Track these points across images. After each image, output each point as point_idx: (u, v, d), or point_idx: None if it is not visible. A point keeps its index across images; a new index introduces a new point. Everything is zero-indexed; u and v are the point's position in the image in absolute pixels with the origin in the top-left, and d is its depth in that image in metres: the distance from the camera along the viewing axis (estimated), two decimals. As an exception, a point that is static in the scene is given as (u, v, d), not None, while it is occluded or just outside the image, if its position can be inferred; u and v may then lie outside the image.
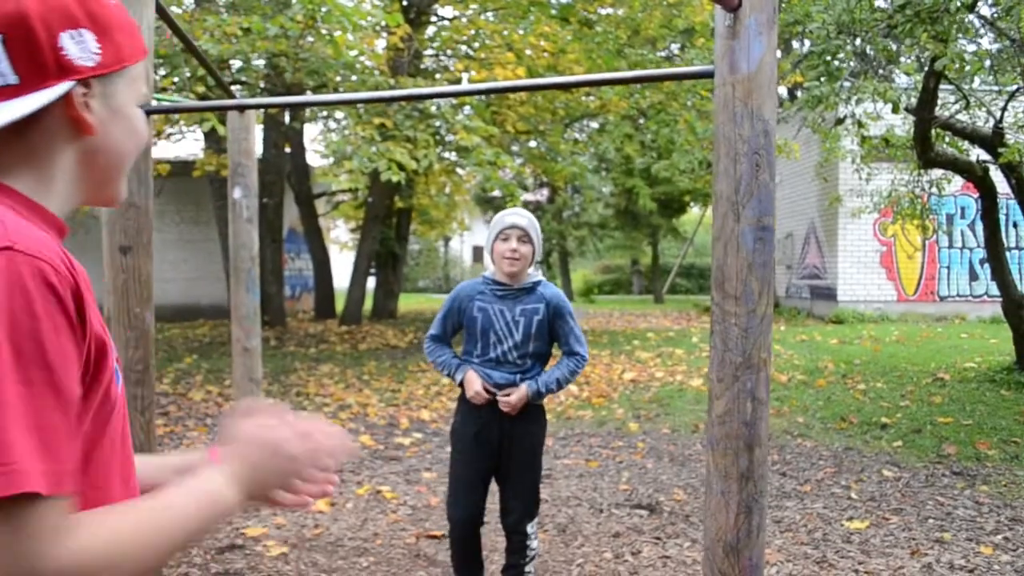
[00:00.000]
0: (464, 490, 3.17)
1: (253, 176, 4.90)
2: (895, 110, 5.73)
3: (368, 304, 17.80)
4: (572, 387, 8.64)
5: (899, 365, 9.51)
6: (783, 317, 16.98)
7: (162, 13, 2.64)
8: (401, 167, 8.73)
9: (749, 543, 1.88)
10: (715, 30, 1.85)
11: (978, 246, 16.23)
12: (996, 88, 7.55)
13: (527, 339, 3.14)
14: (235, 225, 4.89)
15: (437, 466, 5.62)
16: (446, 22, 14.01)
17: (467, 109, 11.18)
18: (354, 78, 9.63)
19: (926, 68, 6.08)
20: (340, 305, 17.71)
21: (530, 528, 3.21)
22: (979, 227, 16.26)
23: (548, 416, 7.20)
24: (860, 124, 6.50)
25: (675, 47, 16.55)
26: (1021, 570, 3.63)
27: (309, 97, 2.48)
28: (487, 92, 2.39)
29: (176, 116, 12.39)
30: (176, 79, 9.78)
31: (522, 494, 3.19)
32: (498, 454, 3.16)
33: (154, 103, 2.67)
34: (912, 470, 5.39)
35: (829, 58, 5.48)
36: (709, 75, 1.87)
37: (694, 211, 33.76)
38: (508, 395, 3.11)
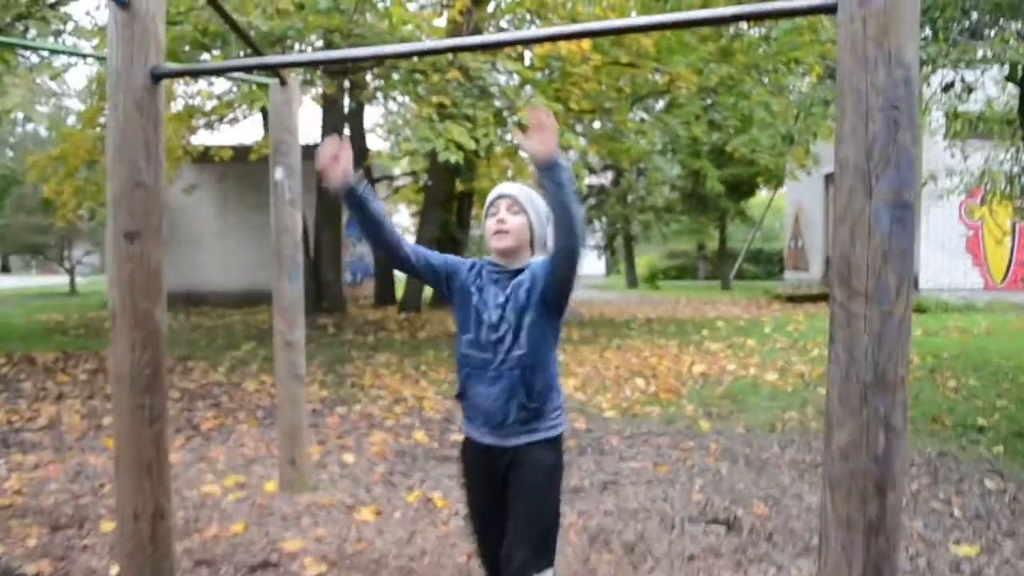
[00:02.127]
0: (478, 535, 2.67)
1: (296, 155, 4.57)
2: (1012, 75, 5.14)
3: (428, 291, 17.57)
4: (639, 381, 8.20)
5: (991, 359, 8.83)
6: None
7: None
8: (460, 147, 8.36)
9: (878, 614, 1.45)
10: (838, -51, 1.43)
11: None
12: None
13: (519, 314, 2.49)
14: (277, 208, 4.57)
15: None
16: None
17: (528, 88, 10.76)
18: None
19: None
20: (400, 292, 17.49)
21: None
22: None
23: (612, 412, 6.86)
24: (969, 90, 5.89)
25: (742, 25, 15.84)
26: None
27: (346, 52, 2.19)
28: (542, 40, 1.99)
29: (231, 98, 12.24)
30: (229, 59, 9.57)
31: (523, 539, 2.47)
32: (504, 490, 2.55)
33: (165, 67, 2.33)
34: (1018, 481, 4.84)
35: (937, 15, 4.90)
36: (832, 9, 1.45)
37: (762, 194, 32.81)
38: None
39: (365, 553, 3.70)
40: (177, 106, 12.43)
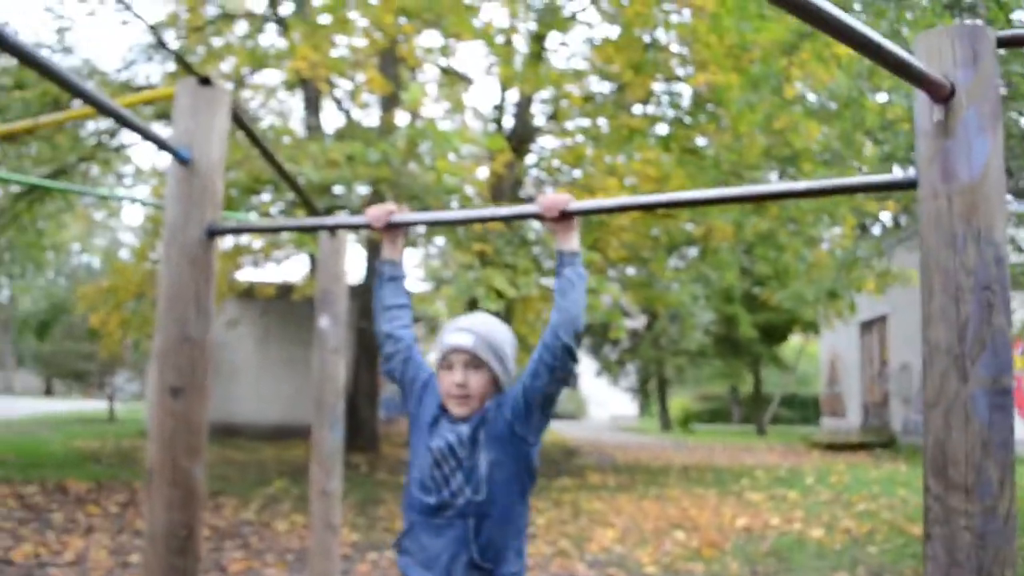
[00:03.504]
0: None
1: (342, 303, 4.59)
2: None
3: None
4: (680, 535, 7.88)
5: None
6: (902, 456, 15.73)
7: (238, 121, 2.35)
8: (499, 294, 8.41)
9: None
10: (917, 127, 1.40)
11: None
12: None
13: (476, 451, 2.13)
14: (320, 355, 4.56)
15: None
16: (547, 150, 14.02)
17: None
18: (455, 204, 9.52)
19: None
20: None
21: None
22: None
23: (652, 568, 6.57)
24: (1020, 248, 5.84)
25: (773, 175, 16.18)
26: None
27: (411, 216, 2.23)
28: (671, 205, 1.97)
29: (282, 239, 12.54)
30: (278, 203, 9.86)
31: None
32: None
33: (224, 222, 2.35)
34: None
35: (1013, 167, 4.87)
36: (912, 185, 1.41)
37: (795, 339, 32.59)
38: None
39: None
40: (226, 244, 12.76)
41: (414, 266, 18.08)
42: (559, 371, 2.12)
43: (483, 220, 2.35)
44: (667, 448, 20.40)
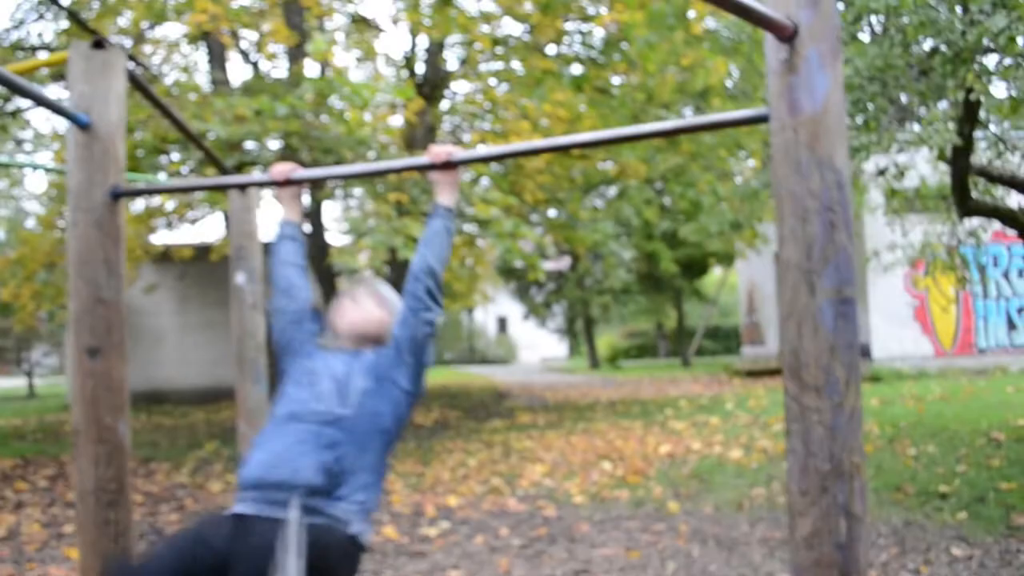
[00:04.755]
0: None
1: (257, 259, 4.62)
2: (941, 156, 5.40)
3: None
4: (606, 465, 8.19)
5: (947, 425, 8.96)
6: (818, 377, 16.41)
7: (135, 83, 2.37)
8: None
9: None
10: (767, 65, 1.54)
11: (1014, 295, 15.73)
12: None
13: (352, 378, 2.24)
14: (239, 312, 4.60)
15: (465, 561, 5.19)
16: (460, 96, 13.96)
17: (484, 181, 10.97)
18: (371, 154, 9.46)
19: (961, 113, 5.75)
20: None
21: None
22: (1013, 275, 15.81)
23: (580, 498, 6.84)
24: (902, 173, 6.17)
25: (687, 111, 16.46)
26: None
27: (327, 170, 2.22)
28: (547, 150, 2.09)
29: (194, 198, 12.29)
30: (188, 162, 9.66)
31: None
32: None
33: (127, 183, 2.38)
34: (983, 546, 4.90)
35: (867, 105, 5.16)
36: (764, 119, 1.55)
37: (716, 272, 33.44)
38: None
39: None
40: (137, 207, 12.46)
41: (334, 219, 17.92)
42: (422, 313, 2.26)
43: (378, 173, 2.45)
44: (595, 385, 20.86)
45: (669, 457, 8.47)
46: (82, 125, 2.25)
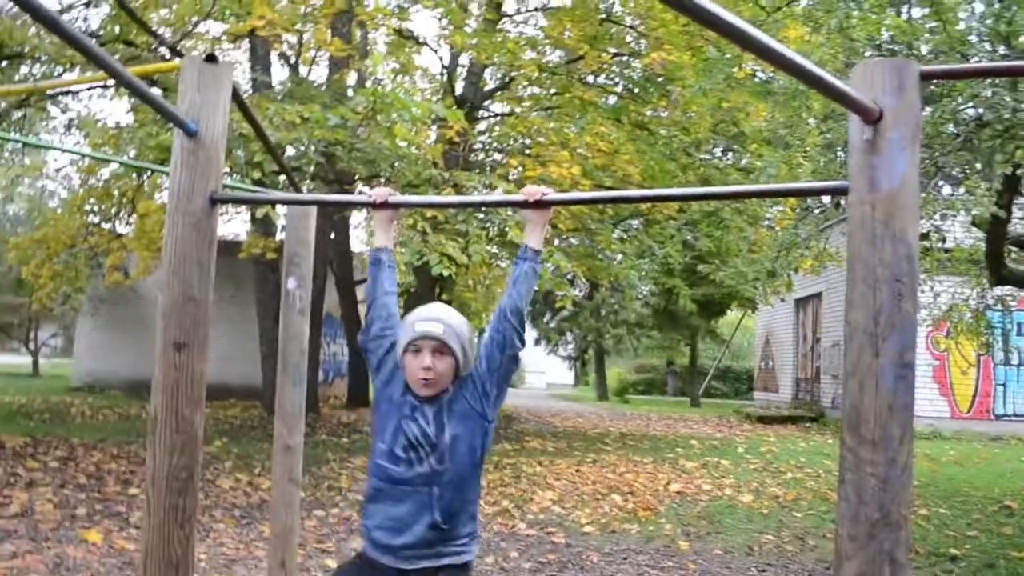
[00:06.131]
0: None
1: (308, 266, 4.76)
2: (979, 224, 5.52)
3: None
4: (616, 498, 8.27)
5: (961, 489, 9.02)
6: (829, 430, 16.44)
7: (238, 99, 2.53)
8: (452, 260, 8.61)
9: None
10: (850, 142, 1.68)
11: (1036, 364, 15.74)
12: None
13: (442, 428, 2.41)
14: (287, 316, 4.73)
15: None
16: (499, 118, 14.16)
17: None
18: (405, 169, 9.63)
19: (1000, 184, 5.88)
20: (373, 394, 17.48)
21: None
22: (1037, 344, 15.82)
23: (591, 528, 6.93)
24: (943, 239, 6.29)
25: (717, 150, 16.56)
26: None
27: (408, 198, 2.35)
28: (639, 200, 2.23)
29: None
30: (233, 163, 9.86)
31: None
32: None
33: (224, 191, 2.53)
34: (990, 612, 4.98)
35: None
36: (843, 191, 1.69)
37: (732, 313, 33.44)
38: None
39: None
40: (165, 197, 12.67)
41: (357, 227, 18.02)
42: (509, 351, 2.43)
43: (473, 205, 2.59)
44: (604, 416, 20.92)
45: (679, 495, 8.55)
46: (190, 133, 2.40)
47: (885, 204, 1.61)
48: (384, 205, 2.52)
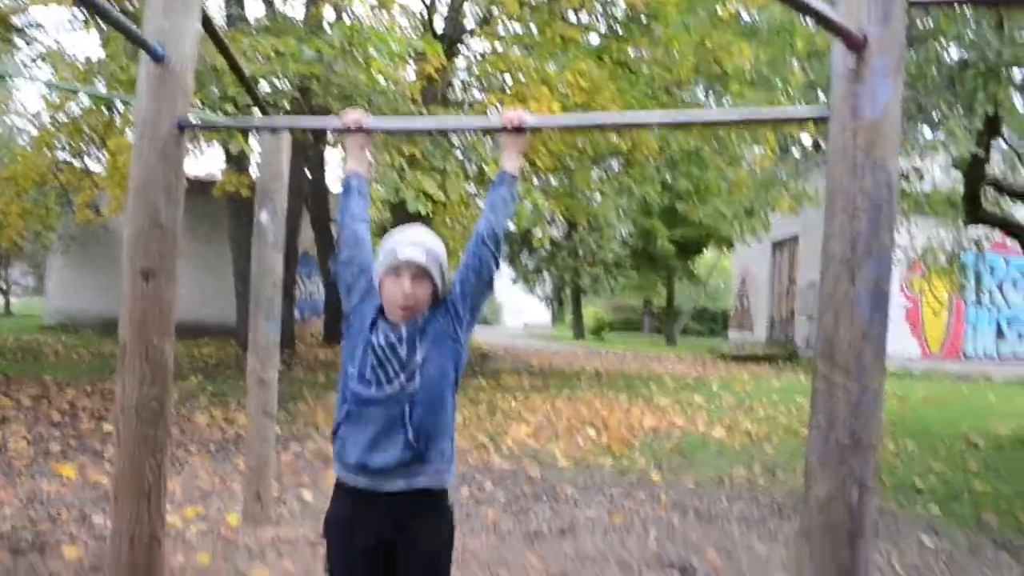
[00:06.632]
0: None
1: (282, 200, 4.70)
2: (960, 164, 5.53)
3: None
4: (591, 432, 8.36)
5: (929, 426, 9.21)
6: (802, 368, 16.68)
7: (208, 27, 2.45)
8: (429, 197, 8.53)
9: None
10: (833, 70, 1.64)
11: (1006, 305, 15.98)
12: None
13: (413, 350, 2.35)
14: (259, 250, 4.69)
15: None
16: (478, 55, 13.92)
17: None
18: (383, 105, 9.47)
19: (981, 125, 5.87)
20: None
21: None
22: (1008, 286, 16.04)
23: (565, 461, 7.01)
24: (921, 177, 6.31)
25: (699, 91, 16.45)
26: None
27: (380, 121, 2.25)
28: (624, 126, 2.19)
29: (198, 133, 12.28)
30: (205, 96, 9.65)
31: None
32: (379, 559, 2.33)
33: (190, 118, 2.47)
34: (953, 539, 5.10)
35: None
36: (824, 120, 1.66)
37: (709, 255, 33.63)
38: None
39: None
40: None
41: (335, 165, 17.81)
42: (485, 275, 2.39)
43: (450, 129, 2.54)
44: (580, 355, 21.08)
45: (653, 430, 8.66)
46: (157, 58, 2.33)
47: (867, 132, 1.59)
48: (357, 130, 2.47)
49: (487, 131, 2.58)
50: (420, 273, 2.34)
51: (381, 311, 2.40)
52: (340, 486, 2.38)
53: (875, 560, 4.67)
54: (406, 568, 2.29)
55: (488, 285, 2.40)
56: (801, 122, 1.82)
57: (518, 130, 2.37)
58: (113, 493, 2.48)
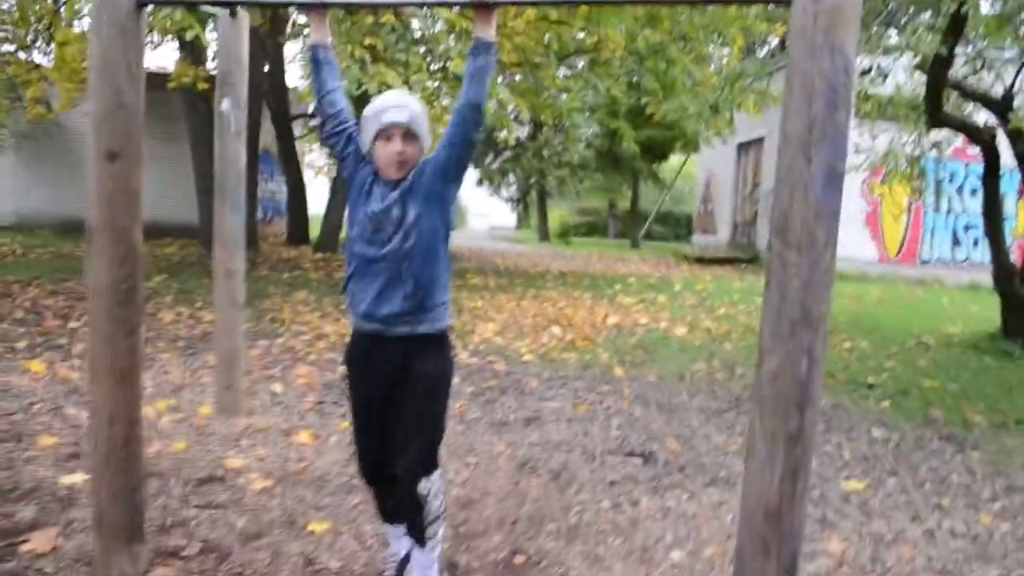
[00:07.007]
0: (359, 436, 2.74)
1: (243, 87, 4.62)
2: (922, 65, 5.55)
3: (344, 232, 17.54)
4: (555, 329, 8.52)
5: (882, 326, 9.49)
6: (763, 271, 16.95)
7: None
8: (391, 88, 8.38)
9: (792, 508, 1.76)
10: (796, -50, 1.66)
11: (963, 212, 16.28)
12: (1011, 53, 7.40)
13: (406, 209, 2.57)
14: (222, 140, 4.62)
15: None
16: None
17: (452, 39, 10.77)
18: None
19: (944, 27, 5.88)
20: (314, 232, 17.37)
21: (424, 487, 2.55)
22: (966, 193, 16.32)
23: (530, 357, 7.17)
24: (884, 76, 6.33)
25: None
26: (1022, 539, 3.58)
27: None
28: (585, 2, 2.18)
29: (150, 24, 11.87)
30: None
31: (409, 445, 2.56)
32: (391, 387, 2.63)
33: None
34: (901, 432, 5.35)
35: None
36: (787, 2, 1.69)
37: (675, 158, 33.61)
38: None
39: (308, 471, 3.91)
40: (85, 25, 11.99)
41: (293, 59, 17.29)
42: (470, 136, 2.57)
43: (415, 4, 2.51)
44: (545, 257, 21.22)
45: (617, 328, 8.84)
46: (113, -70, 2.27)
47: (828, 15, 1.62)
48: (318, 5, 2.48)
49: (452, 5, 2.60)
50: (407, 132, 2.57)
51: (375, 175, 2.63)
52: (356, 331, 2.69)
53: (827, 450, 4.90)
54: (407, 388, 2.60)
55: (471, 147, 2.59)
56: (764, 2, 1.85)
57: (484, 5, 2.40)
58: (90, 378, 2.52)
